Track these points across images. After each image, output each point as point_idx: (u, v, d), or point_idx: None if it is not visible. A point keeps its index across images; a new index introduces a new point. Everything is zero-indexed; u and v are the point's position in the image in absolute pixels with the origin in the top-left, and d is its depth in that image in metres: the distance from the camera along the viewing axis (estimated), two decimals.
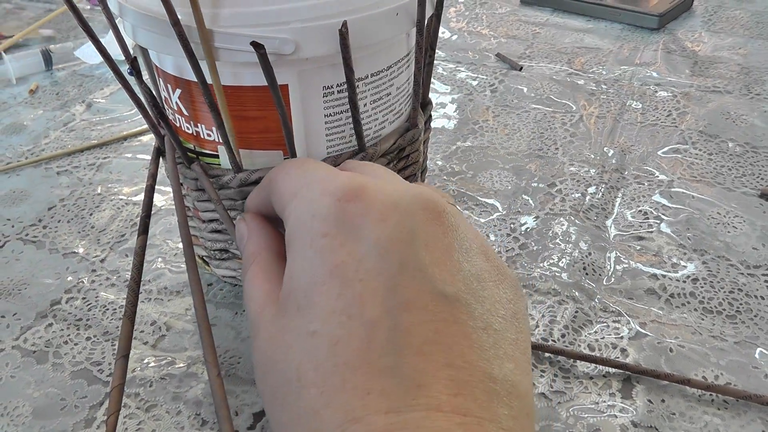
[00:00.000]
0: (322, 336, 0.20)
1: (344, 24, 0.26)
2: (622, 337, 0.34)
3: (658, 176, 0.46)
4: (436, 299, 0.20)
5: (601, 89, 0.57)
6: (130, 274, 0.40)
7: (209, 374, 0.24)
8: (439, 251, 0.21)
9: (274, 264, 0.25)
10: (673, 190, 0.45)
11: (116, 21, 0.32)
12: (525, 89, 0.58)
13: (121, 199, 0.47)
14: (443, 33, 0.70)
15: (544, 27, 0.70)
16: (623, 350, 0.34)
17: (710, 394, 0.31)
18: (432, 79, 0.36)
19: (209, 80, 0.28)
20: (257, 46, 0.25)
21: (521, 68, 0.61)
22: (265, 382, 0.21)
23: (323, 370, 0.19)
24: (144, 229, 0.31)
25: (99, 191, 0.48)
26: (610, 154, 0.49)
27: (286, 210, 0.23)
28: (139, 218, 0.44)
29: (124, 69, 0.31)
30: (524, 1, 0.76)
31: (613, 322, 0.35)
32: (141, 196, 0.47)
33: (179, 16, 0.27)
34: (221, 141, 0.30)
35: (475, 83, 0.59)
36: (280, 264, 0.25)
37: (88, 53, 0.64)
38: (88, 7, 0.77)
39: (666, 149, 0.49)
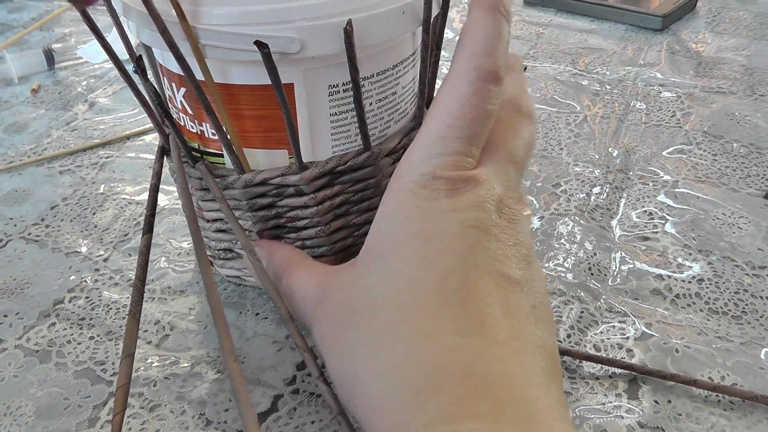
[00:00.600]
0: (403, 274, 0.23)
1: (349, 23, 0.26)
2: (627, 338, 0.34)
3: (662, 177, 0.46)
4: (499, 274, 0.24)
5: (606, 90, 0.57)
6: (134, 273, 0.40)
7: (226, 359, 0.24)
8: (503, 242, 0.25)
9: (310, 260, 0.30)
10: (677, 190, 0.45)
11: (120, 19, 0.32)
12: (529, 89, 0.58)
13: (124, 199, 0.46)
14: (447, 33, 0.70)
15: (547, 27, 0.70)
16: (629, 350, 0.34)
17: (717, 395, 0.31)
18: (437, 79, 0.36)
19: (214, 80, 0.28)
20: (261, 46, 0.25)
21: (525, 68, 0.61)
22: (336, 318, 0.25)
23: (401, 297, 0.23)
24: (149, 228, 0.31)
25: (102, 190, 0.47)
26: (614, 155, 0.49)
27: (413, 147, 0.26)
28: (142, 217, 0.44)
29: (128, 68, 0.30)
30: (528, 2, 0.76)
31: (619, 322, 0.35)
32: (144, 196, 0.47)
33: (183, 9, 0.26)
34: (223, 143, 0.30)
35: None
36: (315, 261, 0.31)
37: (90, 52, 0.64)
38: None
39: (670, 150, 0.49)
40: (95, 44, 0.66)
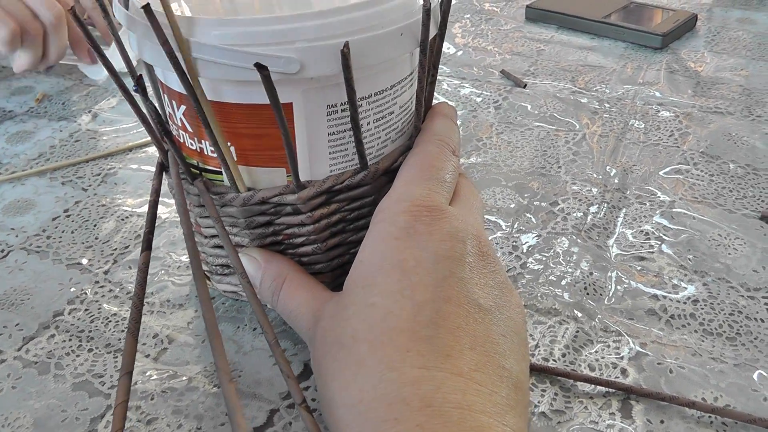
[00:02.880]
0: (379, 307, 0.25)
1: (346, 44, 0.26)
2: (622, 357, 0.34)
3: (659, 197, 0.46)
4: (470, 303, 0.26)
5: (604, 108, 0.58)
6: (133, 288, 0.40)
7: (221, 381, 0.25)
8: (477, 271, 0.27)
9: (306, 277, 0.32)
10: (674, 210, 0.45)
11: (119, 36, 0.32)
12: (529, 107, 0.58)
13: (125, 211, 0.47)
14: (448, 48, 0.70)
15: (548, 44, 0.71)
16: (623, 370, 0.34)
17: (709, 416, 0.31)
18: (436, 95, 0.36)
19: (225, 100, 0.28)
20: (261, 68, 0.26)
21: (525, 85, 0.62)
22: (322, 347, 0.27)
23: (375, 331, 0.25)
24: (147, 246, 0.31)
25: (103, 202, 0.48)
26: (612, 174, 0.49)
27: (395, 185, 0.30)
28: (143, 230, 0.45)
29: (127, 82, 0.31)
30: (529, 18, 0.76)
31: (614, 342, 0.35)
32: (145, 208, 0.47)
33: (184, 30, 0.27)
34: (221, 161, 0.30)
35: (479, 100, 0.60)
36: (310, 277, 0.32)
37: (92, 69, 0.64)
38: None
39: (668, 170, 0.49)
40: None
